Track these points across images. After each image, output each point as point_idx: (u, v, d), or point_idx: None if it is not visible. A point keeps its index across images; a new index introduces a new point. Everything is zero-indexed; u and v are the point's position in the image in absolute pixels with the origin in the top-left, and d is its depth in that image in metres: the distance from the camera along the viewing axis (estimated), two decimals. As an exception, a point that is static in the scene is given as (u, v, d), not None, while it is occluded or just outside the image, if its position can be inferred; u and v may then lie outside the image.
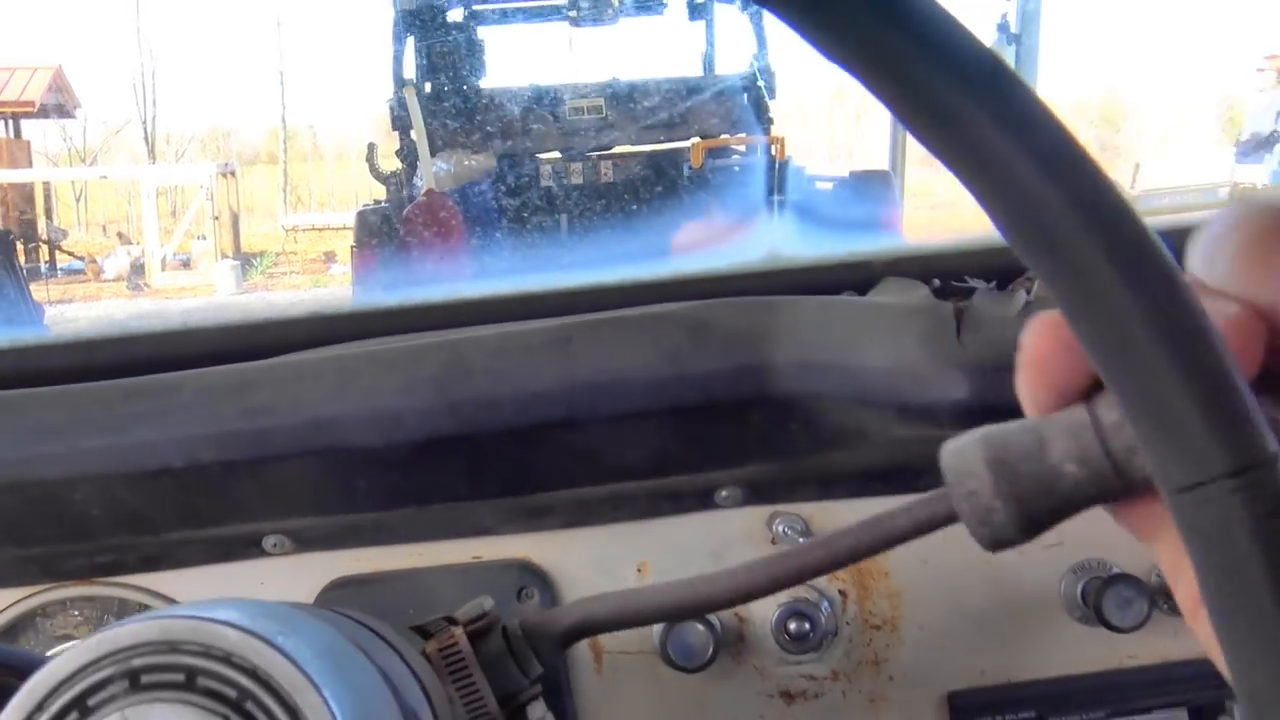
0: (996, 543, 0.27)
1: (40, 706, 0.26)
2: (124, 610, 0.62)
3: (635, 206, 4.56)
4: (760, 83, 4.79)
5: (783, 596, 0.59)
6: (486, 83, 4.78)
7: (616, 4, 4.90)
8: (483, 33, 4.86)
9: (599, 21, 5.00)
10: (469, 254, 4.10)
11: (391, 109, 4.48)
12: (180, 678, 0.26)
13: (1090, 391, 0.27)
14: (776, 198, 4.41)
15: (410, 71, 4.61)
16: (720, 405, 0.56)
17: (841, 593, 0.61)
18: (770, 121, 4.74)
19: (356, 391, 0.56)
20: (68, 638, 0.63)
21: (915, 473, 0.59)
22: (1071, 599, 0.59)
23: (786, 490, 0.61)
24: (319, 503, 0.59)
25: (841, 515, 0.61)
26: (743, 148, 4.76)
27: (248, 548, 0.61)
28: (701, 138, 4.69)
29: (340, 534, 0.61)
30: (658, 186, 4.63)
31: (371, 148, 4.70)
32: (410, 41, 4.60)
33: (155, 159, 13.08)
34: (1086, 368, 0.26)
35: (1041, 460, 0.27)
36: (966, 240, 0.62)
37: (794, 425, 0.56)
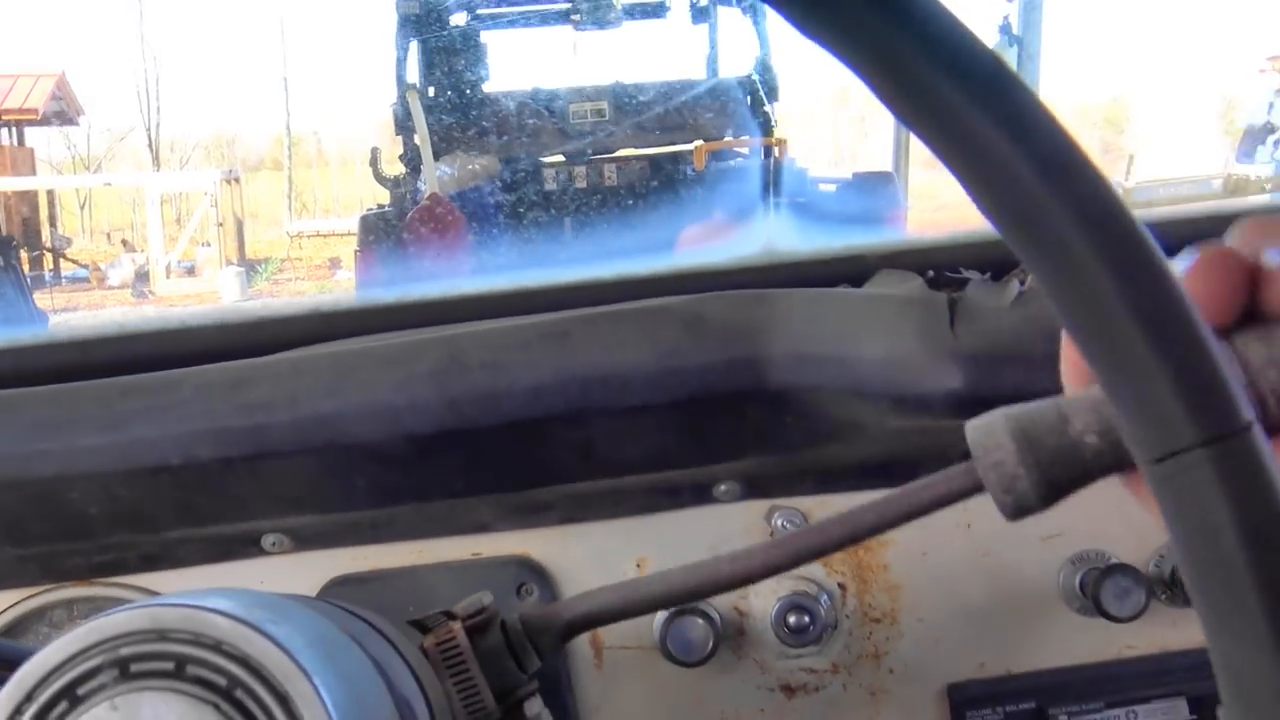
0: (1019, 509, 0.29)
1: (29, 696, 0.26)
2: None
3: (639, 209, 4.56)
4: (763, 85, 4.79)
5: (782, 590, 0.59)
6: (490, 86, 4.79)
7: (619, 7, 4.90)
8: (486, 36, 4.87)
9: (602, 25, 5.01)
10: (472, 257, 4.10)
11: (395, 113, 4.50)
12: (170, 666, 0.26)
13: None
14: (779, 199, 4.41)
15: (414, 75, 4.62)
16: (717, 398, 0.56)
17: (841, 586, 0.61)
18: (773, 124, 4.75)
19: (354, 387, 0.56)
20: (43, 632, 0.63)
21: (913, 465, 0.59)
22: (1070, 590, 0.59)
23: (785, 484, 0.61)
24: (318, 500, 0.59)
25: (841, 508, 0.60)
26: (746, 150, 4.76)
27: (247, 546, 0.61)
28: (704, 140, 4.69)
29: (339, 532, 0.61)
30: (661, 189, 4.63)
31: (375, 152, 4.71)
32: (413, 46, 4.61)
33: (159, 166, 13.13)
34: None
35: (1064, 433, 0.29)
36: (961, 233, 0.62)
37: (790, 418, 0.56)
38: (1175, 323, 0.21)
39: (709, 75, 5.15)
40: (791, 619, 0.58)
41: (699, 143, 4.66)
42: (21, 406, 0.58)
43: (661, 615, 0.59)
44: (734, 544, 0.61)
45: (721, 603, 0.60)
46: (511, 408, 0.56)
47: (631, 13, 5.14)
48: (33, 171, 10.84)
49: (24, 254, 8.87)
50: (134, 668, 0.26)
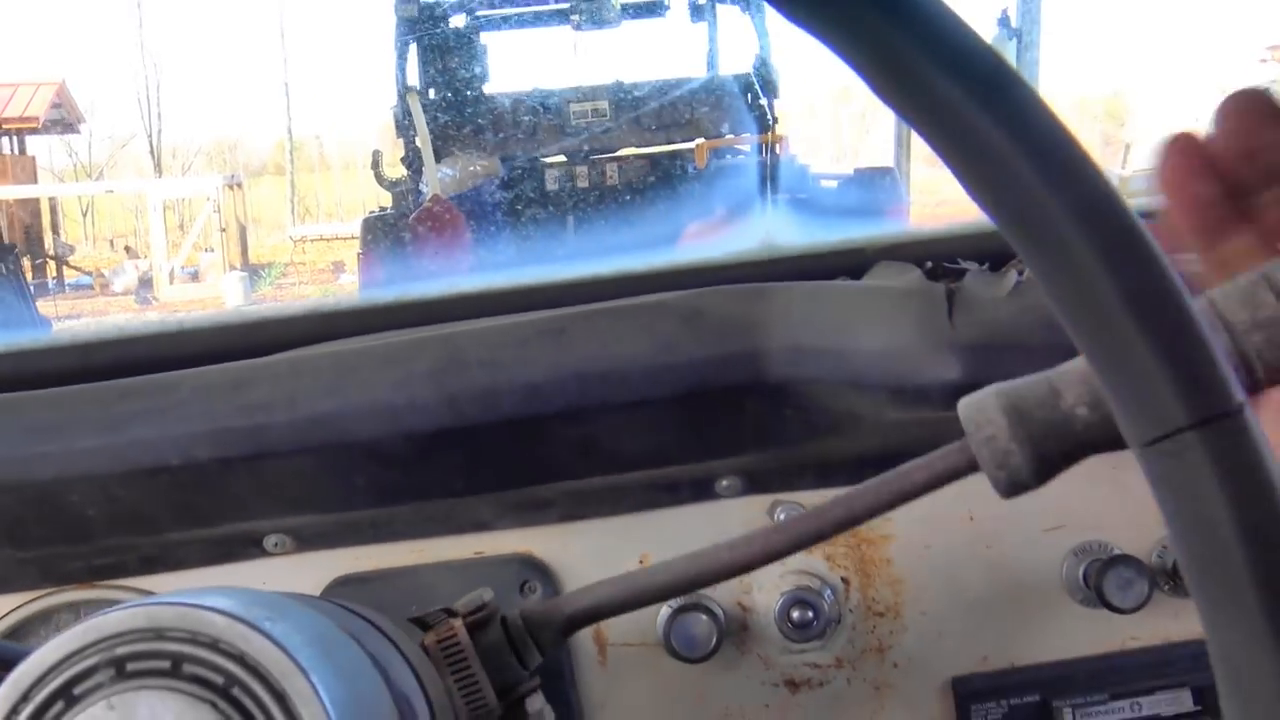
0: (1013, 485, 0.29)
1: (25, 696, 0.26)
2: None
3: (641, 208, 4.57)
4: (763, 82, 4.79)
5: (786, 585, 0.59)
6: (490, 87, 4.79)
7: (618, 6, 4.90)
8: (485, 38, 4.88)
9: (601, 24, 5.01)
10: (475, 258, 4.11)
11: (396, 115, 4.50)
12: (166, 665, 0.26)
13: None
14: (781, 196, 4.41)
15: (414, 78, 4.62)
16: (716, 393, 0.56)
17: (844, 580, 0.61)
18: (774, 120, 4.74)
19: (354, 387, 0.56)
20: (43, 635, 0.63)
21: (913, 458, 0.59)
22: (1073, 581, 0.59)
23: (786, 479, 0.61)
24: (319, 500, 0.59)
25: None
26: (747, 147, 4.76)
27: (248, 547, 0.61)
28: (705, 138, 4.69)
29: (341, 532, 0.61)
30: (662, 187, 4.63)
31: (377, 155, 4.72)
32: (413, 48, 4.62)
33: (161, 172, 13.15)
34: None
35: (1055, 407, 0.29)
36: (958, 225, 0.62)
37: (790, 411, 0.56)
38: (1165, 305, 0.21)
39: (709, 73, 5.15)
40: (795, 614, 0.58)
41: (700, 140, 4.66)
42: (21, 409, 0.58)
43: (665, 611, 0.59)
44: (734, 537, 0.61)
45: (725, 598, 0.60)
46: (511, 405, 0.56)
47: (631, 12, 5.14)
48: (34, 180, 10.86)
49: (27, 262, 8.89)
50: (130, 667, 0.26)
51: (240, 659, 0.27)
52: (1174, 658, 0.59)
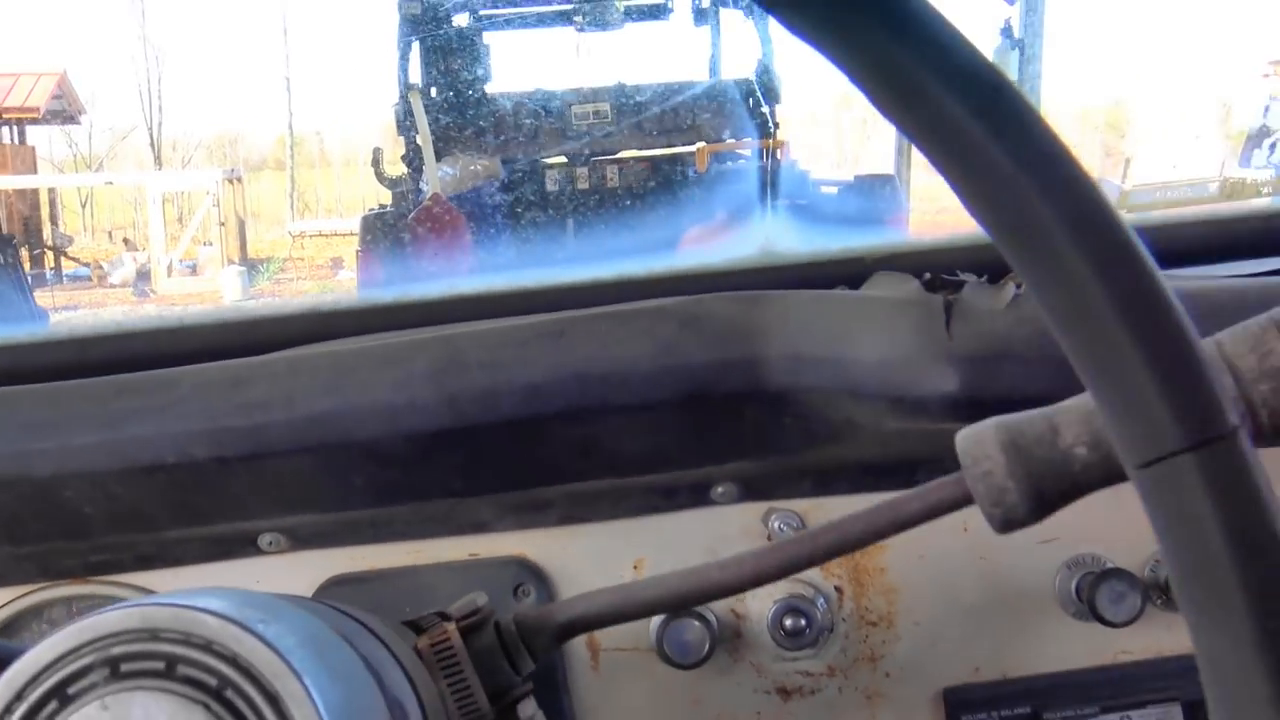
0: (1008, 522, 0.29)
1: (19, 695, 0.26)
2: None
3: (640, 210, 4.57)
4: (764, 87, 4.80)
5: (779, 593, 0.59)
6: (492, 88, 4.79)
7: (621, 9, 4.91)
8: (488, 38, 4.88)
9: (604, 26, 5.02)
10: (474, 258, 4.11)
11: (397, 114, 4.50)
12: (160, 666, 0.26)
13: None
14: (781, 201, 4.41)
15: (416, 76, 4.62)
16: (714, 399, 0.56)
17: (838, 589, 0.61)
18: (775, 126, 4.75)
19: (352, 387, 0.56)
20: (38, 630, 0.63)
21: (910, 468, 0.59)
22: (1066, 594, 0.59)
23: (782, 486, 0.61)
24: (315, 499, 0.59)
25: (836, 511, 0.60)
26: (747, 152, 4.77)
27: (243, 546, 0.61)
28: (706, 142, 4.70)
29: (336, 531, 0.61)
30: (663, 191, 4.64)
31: (377, 152, 4.72)
32: (415, 46, 4.62)
33: (161, 165, 13.14)
34: None
35: (1054, 444, 0.28)
36: (957, 236, 0.63)
37: (788, 419, 0.56)
38: (1163, 328, 0.21)
39: (711, 77, 5.16)
40: (788, 622, 0.58)
41: (700, 144, 4.67)
42: (18, 404, 0.58)
43: (658, 617, 0.59)
44: (731, 545, 0.61)
45: (718, 605, 0.60)
46: (509, 407, 0.56)
47: (633, 14, 5.14)
48: (34, 170, 10.85)
49: (25, 252, 8.88)
50: (125, 667, 0.26)
51: (233, 660, 0.27)
52: (1165, 672, 0.59)
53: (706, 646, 0.57)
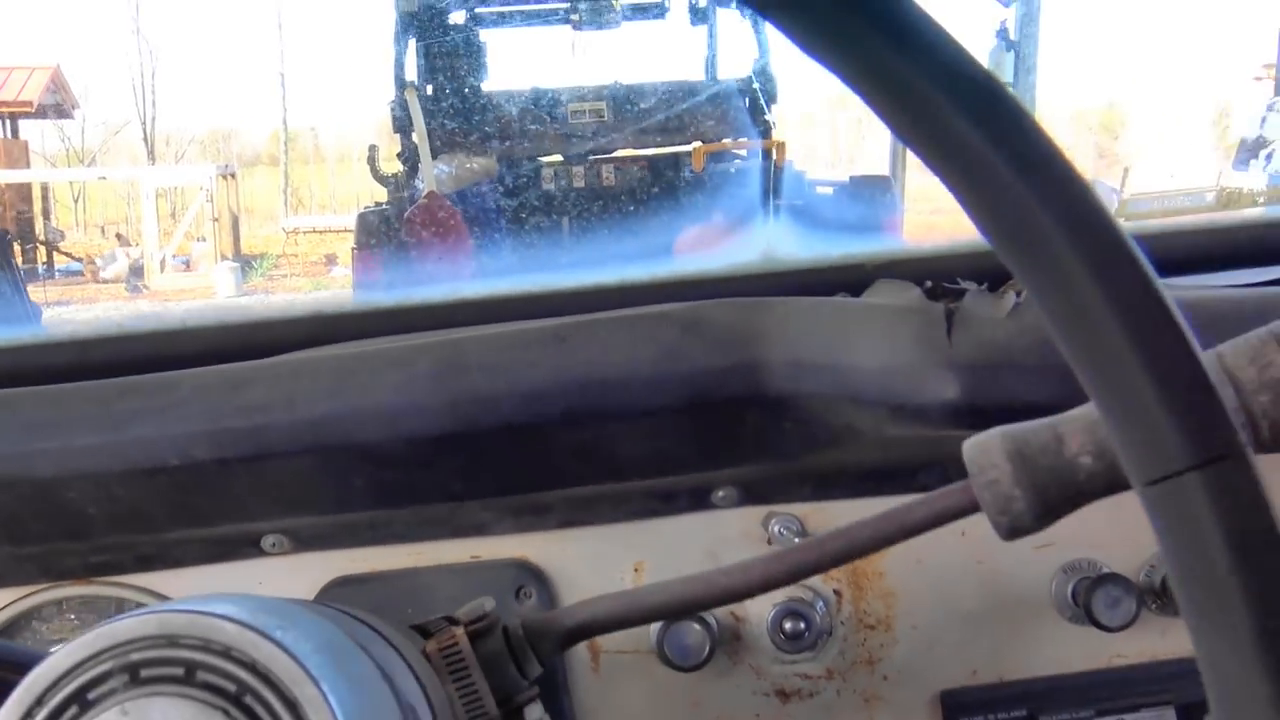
0: (1014, 530, 0.30)
1: (40, 701, 0.27)
2: (120, 610, 0.62)
3: (637, 210, 4.57)
4: (761, 88, 4.80)
5: (778, 596, 0.60)
6: (488, 85, 4.79)
7: (618, 8, 4.91)
8: (484, 35, 4.87)
9: (601, 25, 5.02)
10: (470, 257, 4.10)
11: (393, 111, 4.49)
12: (180, 672, 0.27)
13: None
14: (777, 202, 4.42)
15: (412, 74, 4.62)
16: (715, 404, 0.56)
17: (836, 593, 0.61)
18: (771, 126, 4.76)
19: (354, 390, 0.57)
20: (63, 637, 0.63)
21: (910, 473, 0.60)
22: (1062, 599, 0.60)
23: (782, 490, 0.61)
24: (317, 501, 0.59)
25: (836, 515, 0.61)
26: (744, 152, 4.77)
27: (246, 547, 0.61)
28: (703, 142, 4.70)
29: (338, 533, 0.61)
30: (659, 190, 4.64)
31: (373, 150, 4.71)
32: (412, 44, 4.61)
33: (155, 160, 13.09)
34: None
35: (1060, 454, 0.29)
36: (958, 243, 0.63)
37: (788, 424, 0.57)
38: (1168, 347, 0.21)
39: (708, 77, 5.16)
40: (787, 625, 0.59)
41: (697, 144, 4.67)
42: (21, 406, 0.58)
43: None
44: (731, 549, 0.62)
45: (718, 608, 0.60)
46: (511, 411, 0.56)
47: (631, 13, 5.14)
48: (27, 164, 10.80)
49: (17, 247, 8.84)
50: (144, 673, 0.27)
51: (252, 667, 0.27)
52: (1160, 675, 0.60)
53: (706, 649, 0.58)
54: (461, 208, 4.17)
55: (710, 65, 5.24)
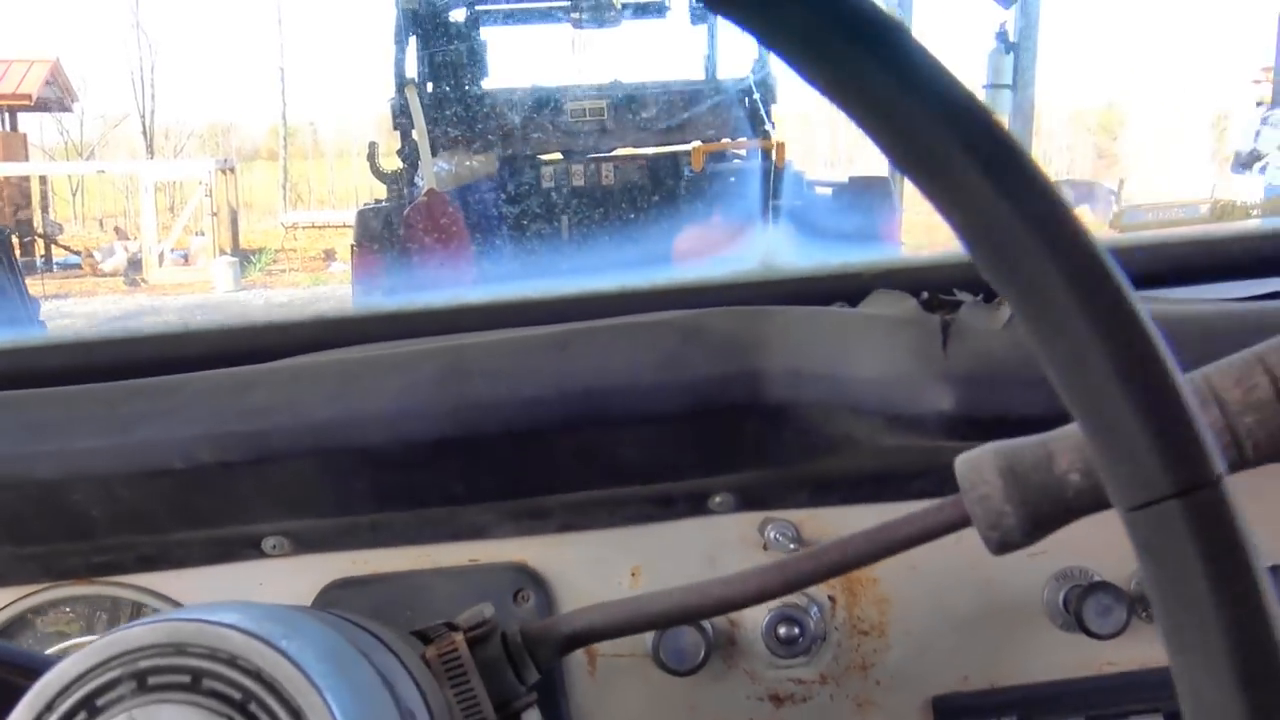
0: (1004, 544, 0.30)
1: (49, 707, 0.27)
2: (116, 608, 0.63)
3: (636, 209, 4.58)
4: (761, 88, 4.80)
5: (773, 602, 0.60)
6: (489, 84, 4.79)
7: (619, 6, 4.91)
8: (485, 34, 4.87)
9: (601, 24, 5.02)
10: (470, 254, 4.11)
11: (393, 109, 4.49)
12: (186, 679, 0.27)
13: None
14: (776, 202, 4.42)
15: (412, 71, 4.62)
16: (714, 411, 0.57)
17: (831, 598, 0.62)
18: (771, 126, 4.76)
19: (356, 395, 0.57)
20: (62, 635, 0.64)
21: (905, 480, 0.60)
22: (1053, 606, 0.60)
23: (779, 496, 0.62)
24: (318, 504, 0.60)
25: (832, 521, 0.62)
26: (743, 152, 4.78)
27: (247, 548, 0.61)
28: (702, 142, 4.70)
29: (339, 535, 0.62)
30: (658, 190, 4.64)
31: (373, 147, 4.71)
32: (413, 41, 4.61)
33: (153, 154, 13.07)
34: None
35: (1049, 470, 0.30)
36: (955, 253, 0.64)
37: (786, 432, 0.57)
38: (1151, 377, 0.22)
39: (708, 77, 5.16)
40: (781, 630, 0.60)
41: (696, 144, 4.68)
42: (26, 407, 0.58)
43: (654, 624, 0.60)
44: (727, 554, 0.63)
45: None
46: (512, 417, 0.57)
47: (631, 12, 5.14)
48: (26, 157, 10.78)
49: (15, 240, 8.83)
50: (151, 680, 0.27)
51: (257, 675, 0.28)
52: (1149, 683, 0.61)
53: (702, 654, 0.59)
54: (461, 205, 4.17)
55: (710, 65, 5.25)
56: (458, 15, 4.78)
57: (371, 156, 4.64)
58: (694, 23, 5.29)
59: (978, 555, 0.62)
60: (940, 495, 0.38)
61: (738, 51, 5.22)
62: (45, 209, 10.76)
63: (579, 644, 0.41)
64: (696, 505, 0.62)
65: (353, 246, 4.55)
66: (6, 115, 10.55)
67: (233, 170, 10.19)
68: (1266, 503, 0.43)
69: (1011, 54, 5.01)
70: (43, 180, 10.74)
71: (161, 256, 9.31)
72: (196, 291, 8.69)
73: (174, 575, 0.62)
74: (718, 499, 0.62)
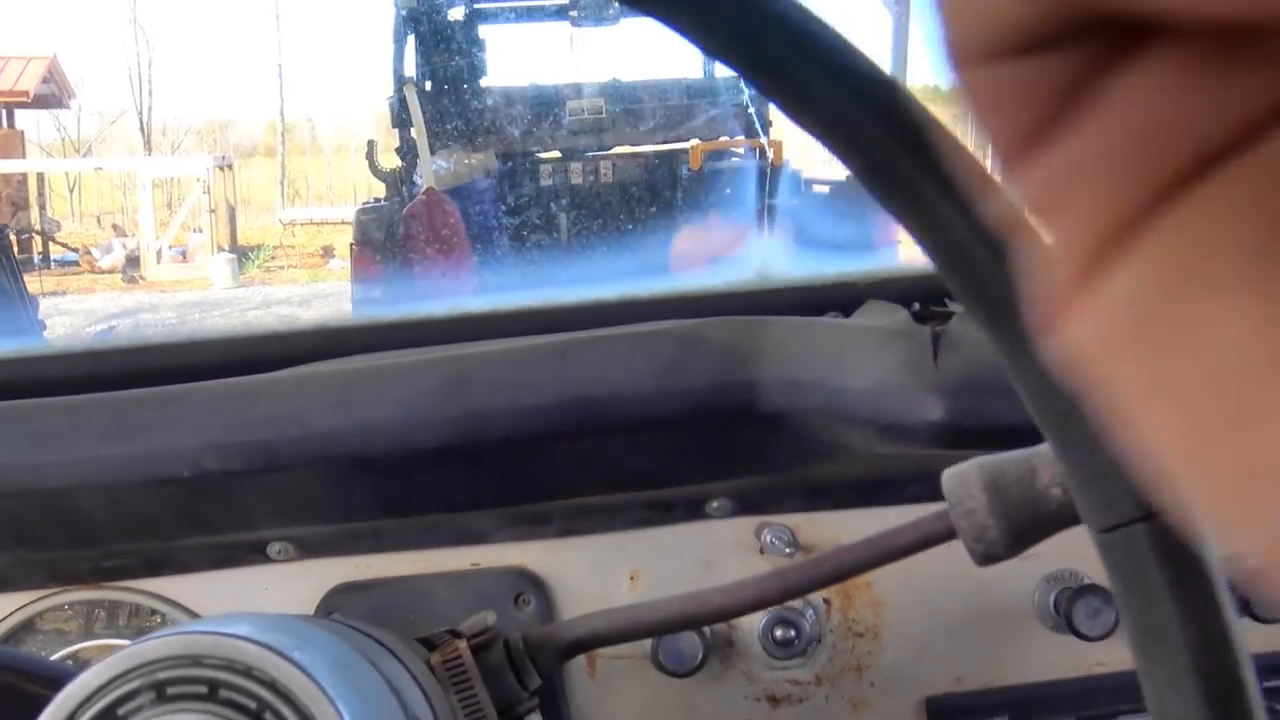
0: (988, 557, 0.31)
1: (72, 716, 0.28)
2: (115, 609, 0.64)
3: (634, 207, 4.58)
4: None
5: (769, 604, 0.62)
6: (487, 81, 4.79)
7: (617, 3, 4.91)
8: (484, 31, 4.87)
9: (600, 22, 5.02)
10: (469, 252, 4.11)
11: (392, 106, 4.49)
12: (203, 689, 0.29)
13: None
14: (773, 201, 4.43)
15: (411, 70, 4.62)
16: (711, 418, 0.58)
17: (826, 601, 0.63)
18: (769, 124, 4.77)
19: (359, 404, 0.58)
20: (61, 633, 0.65)
21: (898, 486, 0.62)
22: (1044, 608, 0.62)
23: (774, 501, 0.63)
24: (322, 510, 0.61)
25: (827, 525, 0.63)
26: (741, 150, 4.78)
27: (252, 554, 0.63)
28: (700, 140, 4.71)
29: (342, 541, 0.63)
30: (656, 187, 4.65)
31: (371, 145, 4.71)
32: (411, 39, 4.61)
33: (151, 151, 13.05)
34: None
35: (1032, 485, 0.31)
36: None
37: (782, 439, 0.59)
38: None
39: (706, 75, 5.16)
40: (778, 632, 0.61)
41: (695, 142, 4.68)
42: (36, 417, 0.60)
43: (654, 626, 0.61)
44: (724, 558, 0.64)
45: None
46: (512, 426, 0.58)
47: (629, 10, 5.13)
48: (23, 154, 10.77)
49: (13, 238, 8.82)
50: (170, 691, 0.29)
51: (271, 685, 0.29)
52: (1137, 684, 0.62)
53: (700, 655, 0.60)
54: (460, 204, 4.18)
55: (708, 63, 5.25)
56: (456, 13, 4.78)
57: (370, 155, 4.64)
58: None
59: (969, 560, 0.63)
60: (932, 500, 0.40)
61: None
62: (43, 206, 10.75)
63: (580, 650, 0.42)
64: (694, 510, 0.63)
65: (352, 246, 4.55)
66: (3, 112, 10.53)
67: (230, 167, 10.17)
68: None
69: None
70: (39, 177, 10.73)
71: (159, 253, 9.30)
72: (195, 288, 8.68)
73: (181, 580, 0.64)
74: (715, 504, 0.63)
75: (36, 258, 9.71)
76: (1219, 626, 0.22)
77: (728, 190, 4.52)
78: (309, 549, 0.63)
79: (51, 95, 11.55)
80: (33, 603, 0.64)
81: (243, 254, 9.61)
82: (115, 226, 11.10)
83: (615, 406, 0.58)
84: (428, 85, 4.62)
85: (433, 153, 4.27)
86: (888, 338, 0.57)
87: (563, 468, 0.60)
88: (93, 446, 0.58)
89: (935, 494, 0.41)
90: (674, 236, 3.94)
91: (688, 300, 0.67)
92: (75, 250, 10.07)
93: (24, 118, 11.30)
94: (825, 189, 4.80)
